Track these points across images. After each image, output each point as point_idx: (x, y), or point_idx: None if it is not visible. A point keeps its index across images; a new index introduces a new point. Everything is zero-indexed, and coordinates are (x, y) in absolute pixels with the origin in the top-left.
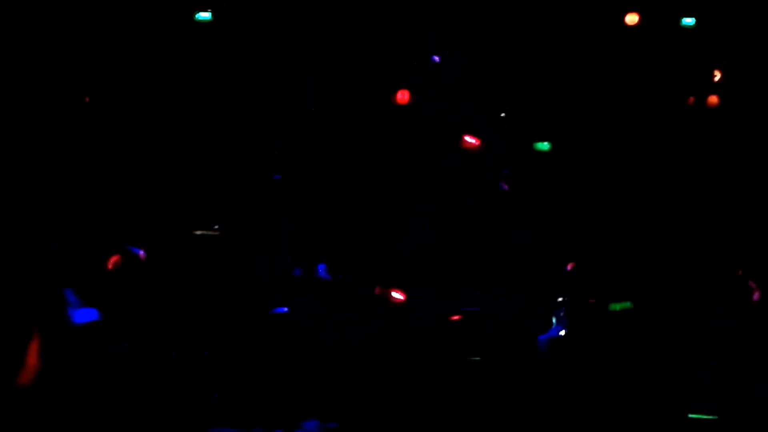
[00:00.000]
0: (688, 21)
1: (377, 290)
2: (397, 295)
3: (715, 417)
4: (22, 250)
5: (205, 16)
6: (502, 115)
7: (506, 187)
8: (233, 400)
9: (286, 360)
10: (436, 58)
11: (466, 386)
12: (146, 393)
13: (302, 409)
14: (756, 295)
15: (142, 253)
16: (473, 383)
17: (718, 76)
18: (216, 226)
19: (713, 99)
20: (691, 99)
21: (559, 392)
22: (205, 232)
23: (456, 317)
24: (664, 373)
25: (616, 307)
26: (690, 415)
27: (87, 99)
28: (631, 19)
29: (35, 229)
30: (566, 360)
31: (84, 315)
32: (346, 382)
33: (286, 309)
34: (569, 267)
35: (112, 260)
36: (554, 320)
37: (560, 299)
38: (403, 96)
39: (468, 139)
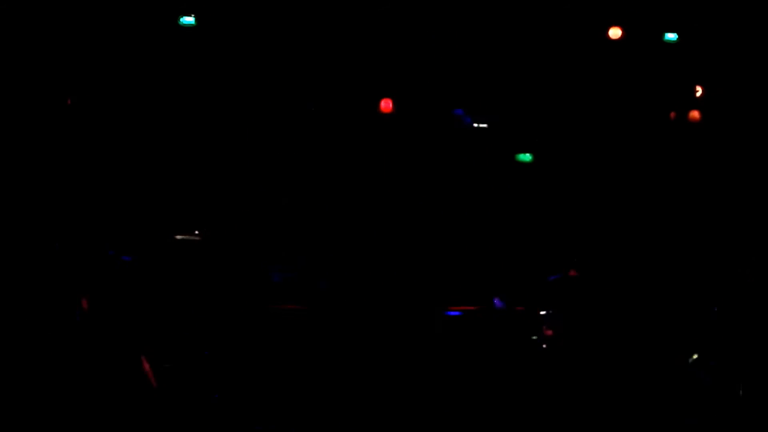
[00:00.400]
0: (671, 36)
1: None
2: None
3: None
4: (21, 252)
5: (189, 20)
6: (484, 125)
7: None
8: (233, 400)
9: (285, 360)
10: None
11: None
12: (148, 394)
13: (301, 408)
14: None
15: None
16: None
17: (699, 91)
18: (197, 231)
19: (695, 114)
20: (673, 114)
21: (554, 391)
22: (186, 237)
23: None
24: (663, 371)
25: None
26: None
27: (69, 101)
28: (614, 33)
29: (32, 231)
30: (563, 359)
31: None
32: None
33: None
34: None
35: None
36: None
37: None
38: (387, 105)
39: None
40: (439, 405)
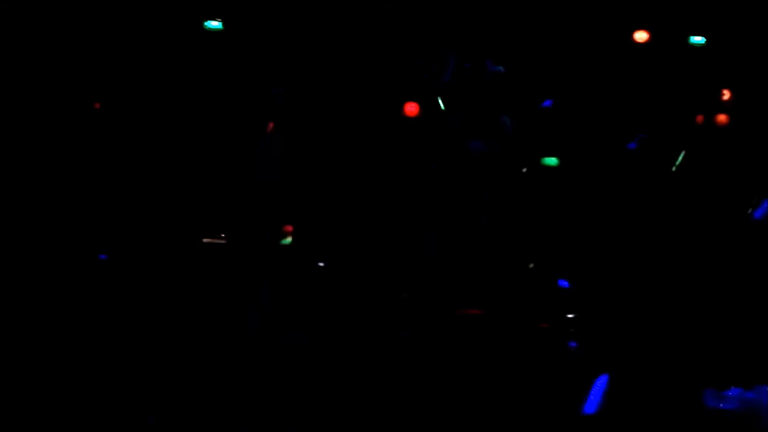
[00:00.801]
0: (698, 39)
1: None
2: None
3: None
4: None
5: (215, 24)
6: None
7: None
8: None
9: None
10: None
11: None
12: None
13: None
14: None
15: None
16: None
17: (727, 95)
18: (222, 234)
19: (722, 118)
20: (700, 117)
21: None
22: (212, 240)
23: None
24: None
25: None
26: None
27: (97, 105)
28: (640, 36)
29: (45, 232)
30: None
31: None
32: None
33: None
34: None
35: None
36: None
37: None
38: (412, 109)
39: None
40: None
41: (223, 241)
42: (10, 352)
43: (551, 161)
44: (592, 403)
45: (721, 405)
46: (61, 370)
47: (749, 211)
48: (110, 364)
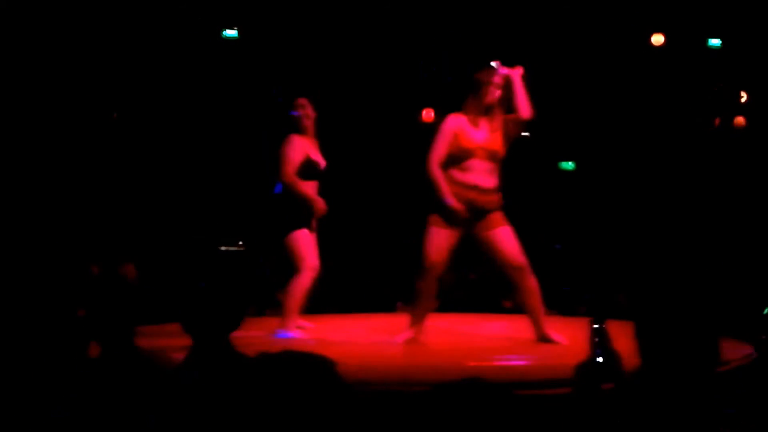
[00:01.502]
0: (715, 42)
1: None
2: None
3: None
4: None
5: (231, 33)
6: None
7: None
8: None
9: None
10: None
11: None
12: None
13: None
14: None
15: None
16: None
17: (744, 97)
18: (240, 242)
19: (740, 120)
20: (718, 120)
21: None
22: (229, 248)
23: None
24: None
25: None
26: None
27: (114, 115)
28: (657, 40)
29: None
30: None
31: None
32: None
33: None
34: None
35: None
36: None
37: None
38: (428, 114)
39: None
40: None
41: (240, 248)
42: (10, 352)
43: (568, 166)
44: None
45: None
46: (62, 370)
47: None
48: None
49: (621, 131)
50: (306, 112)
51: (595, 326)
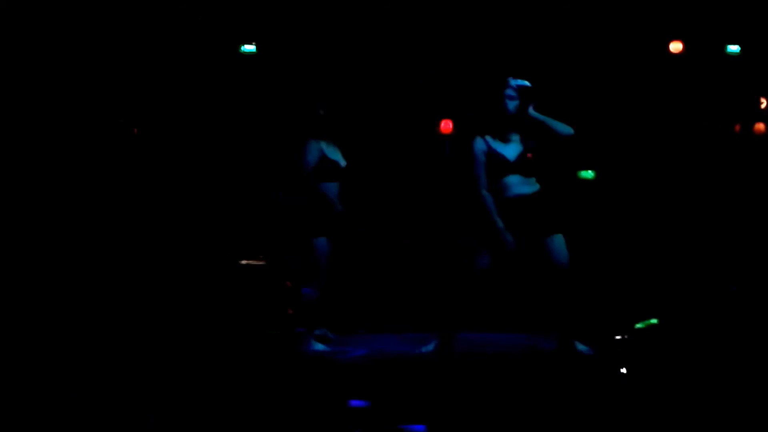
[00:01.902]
0: (734, 48)
1: None
2: None
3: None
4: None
5: (250, 48)
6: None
7: None
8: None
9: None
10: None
11: None
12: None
13: None
14: None
15: None
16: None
17: (764, 103)
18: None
19: (760, 126)
20: (738, 126)
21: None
22: (250, 262)
23: None
24: None
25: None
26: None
27: (135, 130)
28: (676, 47)
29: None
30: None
31: None
32: None
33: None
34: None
35: None
36: None
37: None
38: (446, 125)
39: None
40: None
41: (261, 262)
42: (11, 351)
43: (588, 174)
44: None
45: None
46: (62, 370)
47: None
48: (111, 364)
49: (641, 139)
50: (325, 114)
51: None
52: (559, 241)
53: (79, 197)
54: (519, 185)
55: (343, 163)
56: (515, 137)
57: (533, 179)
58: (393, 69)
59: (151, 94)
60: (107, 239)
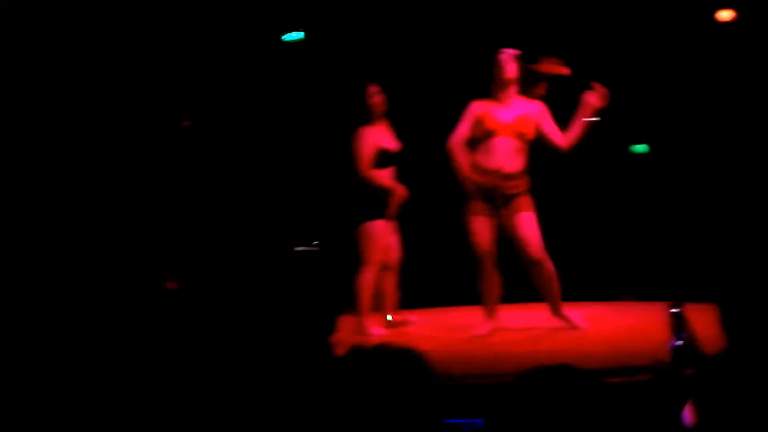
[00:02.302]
0: None
1: None
2: None
3: None
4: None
5: (294, 36)
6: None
7: None
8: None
9: None
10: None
11: None
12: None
13: None
14: None
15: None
16: None
17: None
18: (315, 242)
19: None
20: None
21: None
22: (305, 248)
23: None
24: None
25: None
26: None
27: (185, 123)
28: (726, 15)
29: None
30: None
31: None
32: None
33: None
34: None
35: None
36: None
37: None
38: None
39: None
40: None
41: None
42: (10, 351)
43: (641, 148)
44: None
45: None
46: (62, 370)
47: None
48: (111, 364)
49: (694, 112)
50: (377, 99)
51: (674, 311)
52: (527, 220)
53: (108, 192)
54: (504, 156)
55: (397, 147)
56: (515, 105)
57: (522, 158)
58: (441, 49)
59: (199, 88)
60: (113, 237)
